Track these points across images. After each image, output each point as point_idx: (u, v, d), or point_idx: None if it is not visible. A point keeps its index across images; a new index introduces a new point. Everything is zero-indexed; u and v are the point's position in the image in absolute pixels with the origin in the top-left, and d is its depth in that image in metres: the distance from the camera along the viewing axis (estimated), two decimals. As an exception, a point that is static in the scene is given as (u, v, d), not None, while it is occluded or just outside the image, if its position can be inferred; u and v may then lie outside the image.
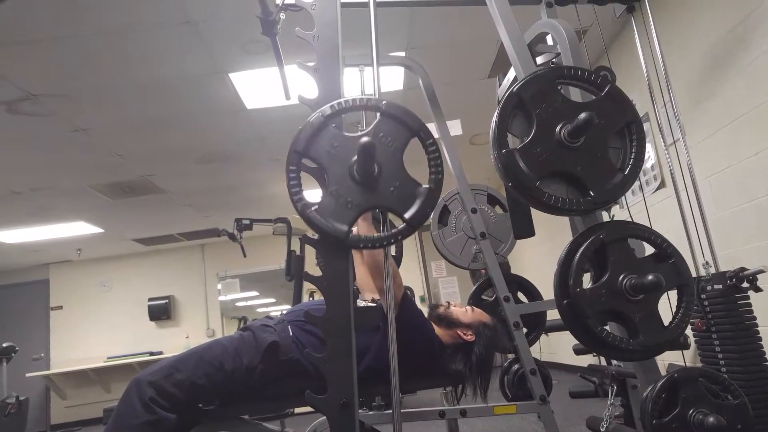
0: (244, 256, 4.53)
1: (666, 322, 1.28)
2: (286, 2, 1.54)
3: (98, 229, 7.03)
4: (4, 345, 5.54)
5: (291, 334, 1.76)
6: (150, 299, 8.43)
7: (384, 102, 1.28)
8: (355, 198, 1.23)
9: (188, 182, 5.84)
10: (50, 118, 3.96)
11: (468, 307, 2.04)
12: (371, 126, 1.27)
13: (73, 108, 3.89)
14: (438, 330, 1.93)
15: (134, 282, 8.61)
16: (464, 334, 1.92)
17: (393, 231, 1.25)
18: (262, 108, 4.28)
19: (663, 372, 1.32)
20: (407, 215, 1.24)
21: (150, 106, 4.06)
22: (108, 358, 7.82)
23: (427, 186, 1.26)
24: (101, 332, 8.34)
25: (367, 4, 1.50)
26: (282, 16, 1.58)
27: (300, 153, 1.25)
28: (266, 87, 3.93)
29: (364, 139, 1.17)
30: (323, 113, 1.26)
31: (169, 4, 2.93)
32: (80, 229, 6.89)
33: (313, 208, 1.22)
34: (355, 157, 1.21)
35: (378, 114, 1.28)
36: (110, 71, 3.52)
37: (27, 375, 7.23)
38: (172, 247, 8.65)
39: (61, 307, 8.53)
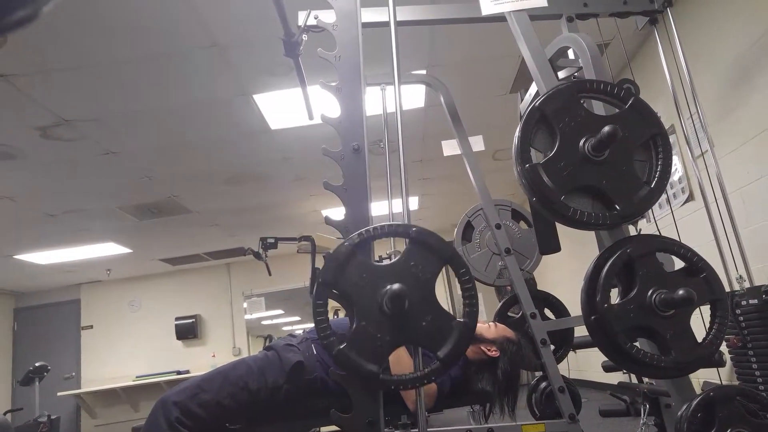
0: (269, 274, 4.54)
1: (699, 339, 1.24)
2: (308, 24, 1.57)
3: (127, 250, 7.17)
4: (37, 364, 5.65)
5: (315, 353, 1.76)
6: (177, 318, 8.53)
7: (414, 229, 1.22)
8: (384, 334, 1.17)
9: (214, 202, 5.93)
10: (82, 142, 4.08)
11: (491, 323, 2.01)
12: (401, 254, 1.22)
13: (103, 132, 4.00)
14: (463, 346, 1.91)
15: (162, 301, 8.73)
16: (488, 349, 1.89)
17: (426, 371, 1.18)
18: (286, 128, 4.34)
19: (698, 390, 1.28)
20: (441, 353, 1.17)
21: (177, 128, 4.15)
22: (137, 377, 7.91)
23: (461, 320, 1.19)
24: (130, 351, 8.46)
25: (387, 24, 1.52)
26: (304, 37, 1.60)
27: (329, 285, 1.19)
28: (290, 107, 3.98)
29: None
30: (351, 242, 1.20)
31: (195, 30, 3.01)
32: (110, 249, 7.04)
33: (342, 346, 1.15)
34: (386, 288, 1.16)
35: (407, 241, 1.22)
36: (139, 96, 3.61)
37: (59, 394, 7.35)
38: (198, 266, 8.76)
39: (91, 327, 8.69)
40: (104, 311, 8.74)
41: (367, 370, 1.15)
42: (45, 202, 5.20)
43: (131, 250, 7.23)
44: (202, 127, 4.19)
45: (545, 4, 1.64)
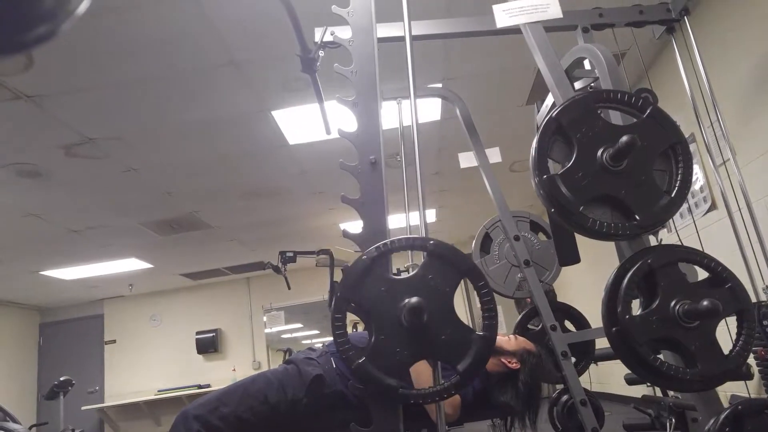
0: (289, 288, 4.57)
1: (726, 351, 1.22)
2: (324, 40, 1.59)
3: (148, 265, 7.26)
4: (62, 379, 5.72)
5: (334, 366, 1.76)
6: (198, 333, 8.59)
7: (431, 242, 1.21)
8: (404, 348, 1.16)
9: (234, 217, 5.99)
10: (104, 160, 4.16)
11: (511, 336, 2.00)
12: (419, 268, 1.21)
13: (125, 150, 4.08)
14: (482, 360, 1.89)
15: (183, 316, 8.81)
16: (509, 362, 1.88)
17: (446, 385, 1.18)
18: (304, 143, 4.38)
19: (725, 404, 1.26)
20: (461, 367, 1.16)
21: (197, 145, 4.22)
22: (158, 390, 7.97)
23: (480, 333, 1.18)
24: (152, 365, 8.54)
25: (402, 39, 1.54)
26: (321, 53, 1.62)
27: (347, 299, 1.19)
28: (308, 123, 4.02)
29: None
30: (369, 255, 1.21)
31: (214, 48, 3.06)
32: (132, 265, 7.14)
33: (361, 360, 1.15)
34: (404, 302, 1.16)
35: (425, 254, 1.22)
36: (159, 113, 3.68)
37: (83, 408, 7.44)
38: (218, 281, 8.83)
39: (114, 341, 8.79)
40: (127, 326, 8.85)
41: (387, 384, 1.15)
42: (69, 218, 5.31)
43: (153, 266, 7.32)
44: (222, 144, 4.26)
45: (560, 15, 1.64)
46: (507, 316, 7.27)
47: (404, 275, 1.23)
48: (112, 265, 7.03)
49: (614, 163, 1.24)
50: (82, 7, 0.32)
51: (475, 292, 1.21)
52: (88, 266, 6.90)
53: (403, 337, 1.16)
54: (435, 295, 1.18)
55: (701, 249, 1.30)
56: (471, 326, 1.20)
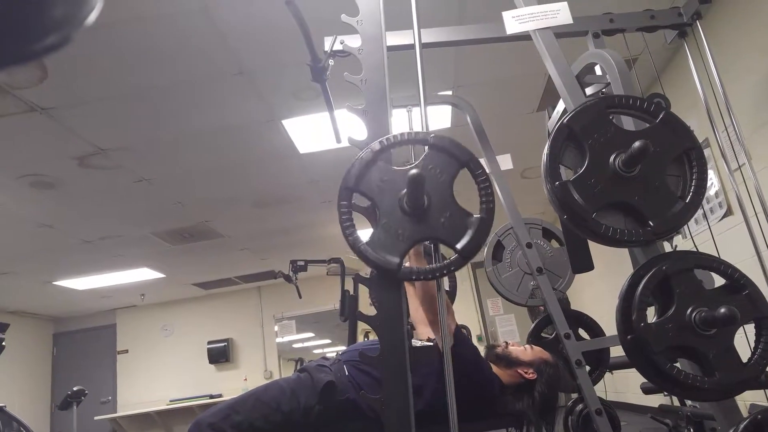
0: (300, 297, 4.57)
1: (744, 359, 1.19)
2: (334, 49, 1.59)
3: (160, 275, 7.30)
4: (75, 389, 5.74)
5: (347, 373, 1.76)
6: (209, 342, 8.61)
7: (432, 135, 1.29)
8: (405, 230, 1.22)
9: (244, 226, 6.02)
10: (116, 170, 4.20)
11: (527, 345, 1.98)
12: (420, 159, 1.28)
13: (136, 160, 4.11)
14: (497, 370, 1.88)
15: (194, 325, 8.84)
16: (525, 372, 1.86)
17: (445, 262, 1.24)
18: (314, 152, 4.39)
19: (744, 413, 1.23)
20: (459, 246, 1.22)
21: (207, 154, 4.25)
22: (170, 400, 7.98)
23: (478, 216, 1.24)
24: (164, 375, 8.56)
25: (412, 47, 1.54)
26: (331, 62, 1.63)
27: (350, 189, 1.26)
28: (317, 131, 4.04)
29: (413, 171, 1.18)
30: (372, 149, 1.28)
31: (224, 57, 3.09)
32: (144, 275, 7.18)
33: (364, 241, 1.23)
34: (405, 190, 1.22)
35: (426, 148, 1.29)
36: (170, 123, 3.72)
37: (95, 418, 7.46)
38: (230, 290, 8.86)
39: (126, 351, 8.83)
40: (139, 336, 8.89)
41: (388, 261, 1.20)
42: (82, 229, 5.35)
43: (164, 275, 7.36)
44: (232, 153, 4.28)
45: (570, 21, 1.63)
46: (520, 324, 7.21)
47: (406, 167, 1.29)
48: (124, 275, 7.07)
49: (627, 169, 1.22)
50: (92, 16, 0.32)
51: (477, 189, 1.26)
52: (101, 276, 6.95)
53: (405, 220, 1.23)
54: (435, 183, 1.25)
55: (717, 255, 1.28)
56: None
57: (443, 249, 1.30)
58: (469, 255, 1.23)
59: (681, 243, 2.40)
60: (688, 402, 2.37)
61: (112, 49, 2.88)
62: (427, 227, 1.23)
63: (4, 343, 3.88)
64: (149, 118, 3.61)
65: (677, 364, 1.19)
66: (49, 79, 3.01)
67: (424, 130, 1.37)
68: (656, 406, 3.08)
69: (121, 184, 4.48)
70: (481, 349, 1.93)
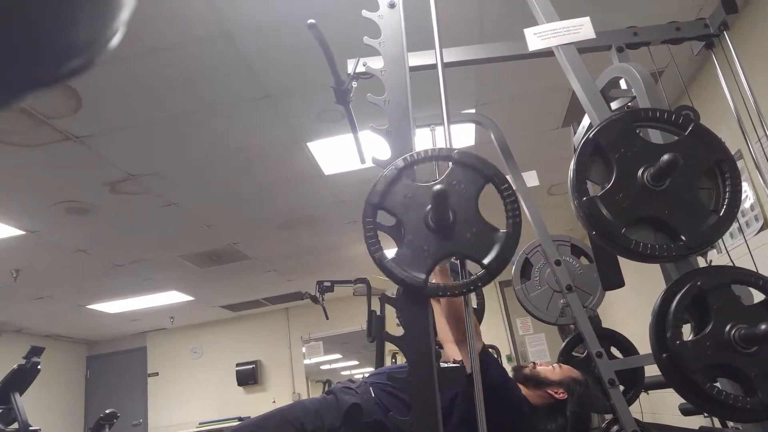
0: (327, 318, 4.58)
1: (787, 377, 1.14)
2: (357, 71, 1.61)
3: (189, 297, 7.39)
4: (107, 411, 5.80)
5: (373, 396, 1.74)
6: (238, 364, 8.63)
7: (456, 151, 1.28)
8: (431, 246, 1.21)
9: (271, 248, 6.07)
10: (146, 195, 4.30)
11: (555, 364, 1.93)
12: (444, 175, 1.27)
13: (165, 184, 4.20)
14: (526, 391, 1.84)
15: (223, 347, 8.89)
16: (555, 392, 1.81)
17: (472, 278, 1.22)
18: (339, 173, 4.43)
19: (790, 434, 1.17)
20: (486, 261, 1.20)
21: (234, 178, 4.31)
22: (200, 423, 8.00)
23: (504, 230, 1.22)
24: (193, 398, 8.60)
25: (434, 66, 1.54)
26: (354, 84, 1.65)
27: (375, 205, 1.25)
28: (342, 153, 4.07)
29: (437, 186, 1.17)
30: (396, 166, 1.28)
31: (248, 82, 3.15)
32: (173, 297, 7.28)
33: (390, 259, 1.22)
34: (430, 206, 1.21)
35: (450, 164, 1.29)
36: (197, 148, 3.79)
37: (126, 441, 7.52)
38: (257, 312, 8.90)
39: (157, 374, 8.92)
40: (169, 358, 8.98)
41: (414, 277, 1.19)
42: (113, 253, 5.47)
43: (193, 298, 7.45)
44: (259, 176, 4.34)
45: (593, 36, 1.62)
46: (550, 343, 7.07)
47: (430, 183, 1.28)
48: (154, 298, 7.18)
49: (656, 182, 1.20)
50: (116, 40, 0.33)
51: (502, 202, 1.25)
52: (131, 300, 7.07)
53: (429, 237, 1.21)
54: (460, 199, 1.23)
55: (755, 270, 1.24)
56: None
57: (470, 265, 1.29)
58: (497, 270, 1.21)
59: (716, 258, 2.33)
60: (730, 423, 2.27)
61: (140, 78, 2.97)
62: (452, 243, 1.22)
63: (39, 367, 3.96)
64: (177, 144, 3.70)
65: (717, 384, 1.15)
66: (83, 109, 3.11)
67: (448, 147, 1.37)
68: (696, 428, 2.97)
69: (151, 209, 4.58)
70: (509, 369, 1.90)
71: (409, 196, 1.25)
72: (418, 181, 1.30)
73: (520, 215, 1.24)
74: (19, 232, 4.56)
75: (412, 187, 1.27)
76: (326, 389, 1.99)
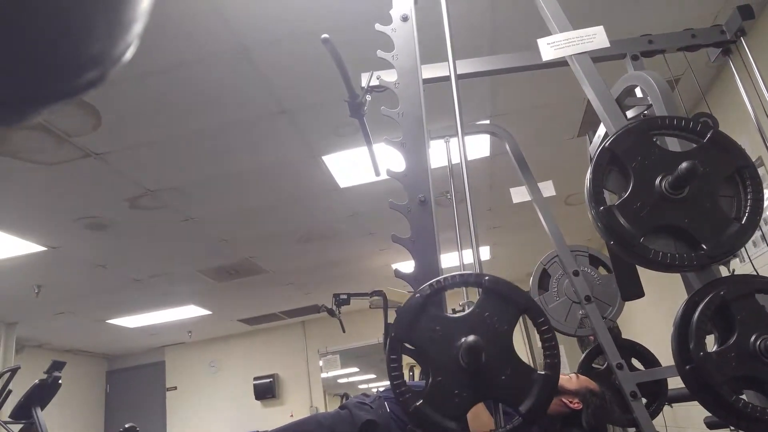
0: (343, 331, 4.56)
1: (816, 389, 1.11)
2: (371, 85, 1.62)
3: (207, 312, 7.43)
4: (127, 426, 5.82)
5: (388, 410, 1.73)
6: (255, 378, 8.64)
7: (487, 278, 1.18)
8: (462, 389, 1.11)
9: (288, 261, 6.09)
10: (164, 210, 4.35)
11: (572, 375, 1.91)
12: (475, 305, 1.18)
13: (183, 200, 4.25)
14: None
15: (240, 361, 8.90)
16: (570, 401, 1.79)
17: (508, 428, 1.12)
18: (354, 186, 4.44)
19: (821, 448, 1.14)
20: (523, 408, 1.11)
21: (251, 192, 4.35)
22: (218, 438, 8.01)
23: (542, 372, 1.13)
24: (211, 412, 8.61)
25: (448, 78, 1.55)
26: (368, 97, 1.66)
27: (401, 340, 1.15)
28: (357, 165, 4.09)
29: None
30: (422, 293, 1.17)
31: (264, 98, 3.18)
32: (191, 312, 7.32)
33: (418, 403, 1.10)
34: (461, 342, 1.11)
35: (480, 290, 1.18)
36: (214, 163, 3.83)
37: (146, 456, 7.54)
38: (274, 325, 8.91)
39: (175, 388, 8.95)
40: (187, 372, 9.02)
41: (446, 427, 1.09)
42: (133, 268, 5.53)
43: (211, 312, 7.49)
44: (275, 190, 4.37)
45: (607, 44, 1.62)
46: (570, 355, 6.97)
47: (460, 314, 1.18)
48: (172, 313, 7.23)
49: (674, 191, 1.18)
50: (129, 54, 0.33)
51: (535, 330, 1.16)
52: (150, 314, 7.13)
53: (461, 378, 1.11)
54: (493, 334, 1.13)
55: (780, 278, 1.21)
56: (532, 365, 1.14)
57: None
58: (535, 418, 1.13)
59: (739, 267, 2.28)
60: (758, 437, 2.21)
61: (158, 95, 3.01)
62: (486, 386, 1.12)
63: (60, 381, 4.00)
64: (195, 159, 3.74)
65: (743, 396, 1.12)
66: (103, 126, 3.16)
67: (478, 271, 1.28)
68: (722, 441, 2.89)
69: (168, 224, 4.63)
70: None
71: (437, 330, 1.14)
72: (445, 306, 1.22)
73: (558, 356, 1.14)
74: (40, 248, 4.63)
75: (441, 319, 1.16)
76: (342, 404, 1.97)
